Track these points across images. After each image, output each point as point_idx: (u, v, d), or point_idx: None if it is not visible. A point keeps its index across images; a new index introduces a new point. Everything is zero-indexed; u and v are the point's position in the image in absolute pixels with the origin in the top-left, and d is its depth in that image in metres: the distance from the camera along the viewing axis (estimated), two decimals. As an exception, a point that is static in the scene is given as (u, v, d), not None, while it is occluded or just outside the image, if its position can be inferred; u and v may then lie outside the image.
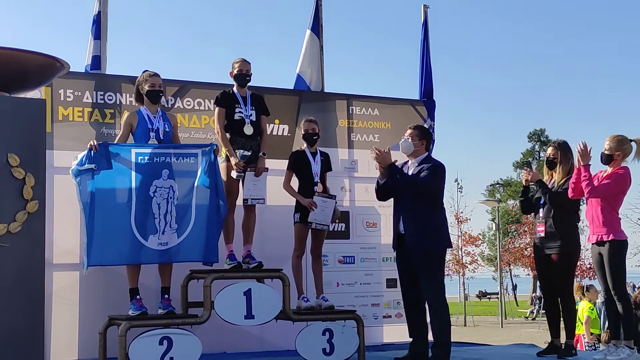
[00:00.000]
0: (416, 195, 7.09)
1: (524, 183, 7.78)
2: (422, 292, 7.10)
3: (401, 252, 7.25)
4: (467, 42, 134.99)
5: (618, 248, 6.97)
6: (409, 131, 7.38)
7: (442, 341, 6.96)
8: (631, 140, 7.13)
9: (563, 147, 7.58)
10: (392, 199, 7.49)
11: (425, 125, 9.52)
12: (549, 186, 7.48)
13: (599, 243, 7.00)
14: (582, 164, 6.98)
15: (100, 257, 6.47)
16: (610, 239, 6.93)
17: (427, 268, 7.02)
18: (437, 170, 7.17)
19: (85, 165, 6.51)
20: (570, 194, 7.18)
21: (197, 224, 6.80)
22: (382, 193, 7.50)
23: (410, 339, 7.35)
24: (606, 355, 6.89)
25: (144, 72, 7.05)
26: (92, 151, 6.53)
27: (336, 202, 7.61)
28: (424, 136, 7.39)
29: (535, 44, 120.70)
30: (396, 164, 7.35)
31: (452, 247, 7.88)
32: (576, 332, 11.20)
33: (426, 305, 7.19)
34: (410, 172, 7.25)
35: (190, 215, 6.80)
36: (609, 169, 7.13)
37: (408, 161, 7.42)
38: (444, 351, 6.95)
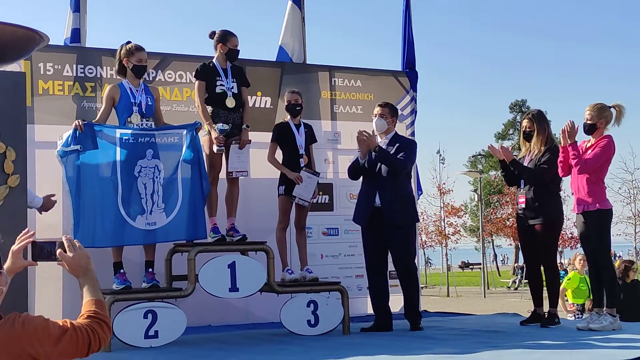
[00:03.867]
0: (395, 173, 7.30)
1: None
2: (395, 264, 7.43)
3: (373, 224, 7.40)
4: (451, 6, 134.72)
5: (604, 217, 7.01)
6: (379, 109, 7.55)
7: (414, 307, 7.40)
8: (610, 107, 7.16)
9: (538, 118, 7.57)
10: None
11: (408, 97, 9.59)
12: (529, 158, 7.48)
13: (585, 213, 7.02)
14: (568, 142, 6.99)
15: (89, 239, 6.32)
16: (596, 208, 6.95)
17: (402, 240, 7.36)
18: (413, 149, 7.57)
19: (71, 146, 6.44)
20: (560, 173, 7.19)
21: (184, 202, 6.77)
22: (356, 173, 7.63)
23: (372, 312, 7.67)
24: (589, 323, 6.95)
25: (126, 43, 6.87)
26: (77, 131, 6.46)
27: (318, 179, 7.63)
28: (395, 114, 7.68)
29: (519, 8, 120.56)
30: None
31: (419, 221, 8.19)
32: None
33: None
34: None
35: (178, 194, 6.77)
36: (591, 139, 7.14)
37: (376, 138, 7.50)
38: (417, 316, 7.40)
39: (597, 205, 6.95)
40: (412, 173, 8.32)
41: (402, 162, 7.36)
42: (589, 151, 7.04)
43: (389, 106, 7.64)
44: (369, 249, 7.51)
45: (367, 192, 7.45)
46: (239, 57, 7.33)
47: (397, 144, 7.42)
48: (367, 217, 7.43)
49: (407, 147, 7.47)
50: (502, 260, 57.23)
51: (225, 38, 7.25)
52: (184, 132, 6.84)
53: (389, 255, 7.48)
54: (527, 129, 7.53)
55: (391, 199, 7.30)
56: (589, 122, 7.09)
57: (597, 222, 6.98)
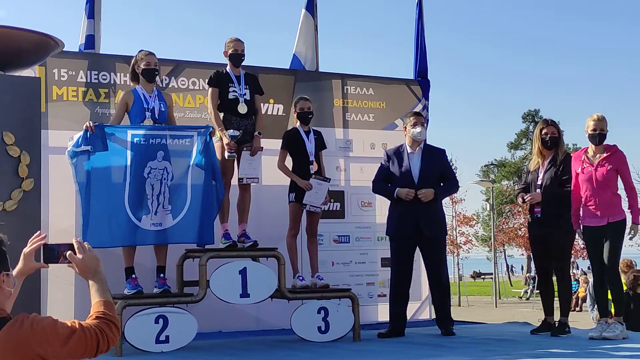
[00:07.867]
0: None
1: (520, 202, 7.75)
2: (430, 273, 7.68)
3: (407, 236, 7.57)
4: (464, 18, 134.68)
5: (621, 227, 7.02)
6: (417, 118, 7.72)
7: (446, 314, 7.64)
8: None
9: (557, 125, 7.58)
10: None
11: (420, 105, 9.64)
12: (547, 165, 7.43)
13: (610, 224, 6.97)
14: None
15: (97, 239, 6.34)
16: (615, 220, 6.95)
17: (438, 251, 7.74)
18: (448, 161, 8.07)
19: (82, 147, 6.49)
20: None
21: (193, 205, 6.79)
22: (384, 194, 7.96)
23: (389, 318, 7.70)
24: (602, 332, 6.91)
25: (139, 51, 7.03)
26: (88, 132, 6.50)
27: (329, 185, 7.68)
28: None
29: (533, 20, 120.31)
30: (387, 149, 7.94)
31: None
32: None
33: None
34: (413, 159, 7.61)
35: (186, 196, 6.79)
36: (593, 148, 7.08)
37: (402, 145, 7.58)
38: (450, 321, 7.63)
39: (616, 216, 6.97)
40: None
41: (456, 185, 8.10)
42: (607, 164, 6.95)
43: (422, 115, 7.96)
44: (399, 258, 7.61)
45: (405, 206, 7.52)
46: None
47: (432, 152, 7.72)
48: (406, 229, 7.53)
49: (447, 161, 7.96)
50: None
51: (225, 45, 7.38)
52: (195, 134, 6.88)
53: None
54: (553, 135, 7.45)
55: (431, 214, 7.55)
56: (602, 132, 7.04)
57: (620, 232, 7.02)
